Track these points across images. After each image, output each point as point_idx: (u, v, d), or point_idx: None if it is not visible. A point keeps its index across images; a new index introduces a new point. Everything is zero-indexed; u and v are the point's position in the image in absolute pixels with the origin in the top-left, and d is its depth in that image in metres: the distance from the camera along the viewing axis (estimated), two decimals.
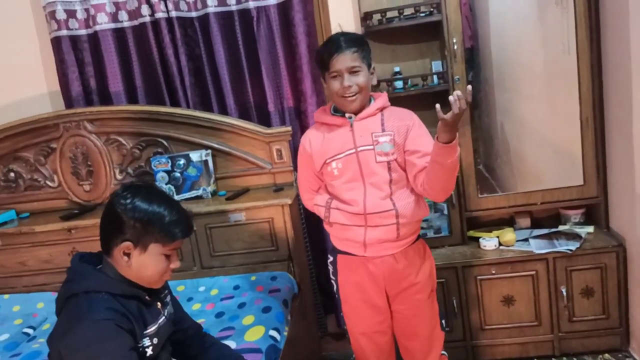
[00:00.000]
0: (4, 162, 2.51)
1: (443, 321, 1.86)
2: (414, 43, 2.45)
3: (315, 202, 1.78)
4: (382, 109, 1.68)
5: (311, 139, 1.74)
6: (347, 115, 1.66)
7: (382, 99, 1.70)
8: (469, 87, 1.42)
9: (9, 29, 2.62)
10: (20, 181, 2.53)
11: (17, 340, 2.01)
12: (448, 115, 1.40)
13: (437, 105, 1.43)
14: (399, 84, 2.39)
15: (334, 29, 2.49)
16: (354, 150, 1.64)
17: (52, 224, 2.32)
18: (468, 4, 2.35)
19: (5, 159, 2.51)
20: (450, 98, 1.38)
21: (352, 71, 1.59)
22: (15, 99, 2.66)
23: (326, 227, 1.79)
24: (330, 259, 1.83)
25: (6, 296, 2.32)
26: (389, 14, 2.32)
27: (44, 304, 2.23)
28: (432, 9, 2.29)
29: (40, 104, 2.63)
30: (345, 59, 1.58)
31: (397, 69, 2.44)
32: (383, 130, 1.64)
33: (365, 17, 2.34)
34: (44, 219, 2.42)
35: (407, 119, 1.66)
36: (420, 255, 1.74)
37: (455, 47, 2.22)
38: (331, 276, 1.84)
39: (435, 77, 2.37)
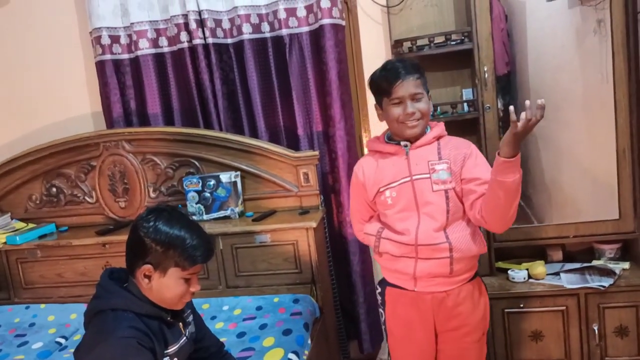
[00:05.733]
0: (48, 177, 2.65)
1: None
2: (445, 70, 2.45)
3: (366, 231, 1.75)
4: (438, 138, 1.64)
5: (364, 167, 1.71)
6: (402, 143, 1.63)
7: (438, 127, 1.66)
8: (542, 100, 1.31)
9: (57, 53, 2.79)
10: (61, 196, 2.65)
11: (50, 349, 2.10)
12: (521, 123, 1.32)
13: (511, 107, 1.34)
14: None
15: (365, 56, 2.54)
16: (409, 179, 1.60)
17: (88, 239, 2.42)
18: (506, 29, 2.34)
19: (50, 174, 2.64)
20: (527, 102, 1.31)
21: (415, 98, 1.57)
22: (61, 118, 2.82)
23: (376, 257, 1.75)
24: (379, 289, 1.78)
25: (42, 306, 2.43)
26: (420, 42, 2.33)
27: (77, 315, 2.32)
28: (463, 37, 2.29)
29: (83, 123, 2.77)
30: (408, 86, 1.55)
31: None
32: (439, 159, 1.60)
33: (396, 44, 2.36)
34: (81, 233, 2.53)
35: (464, 148, 1.62)
36: (474, 296, 1.67)
37: (486, 75, 2.21)
38: (379, 306, 1.80)
39: (465, 104, 2.36)
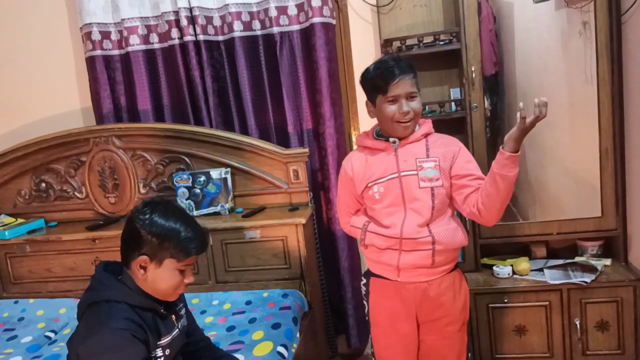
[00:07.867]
0: (37, 173, 2.64)
1: (469, 354, 1.81)
2: (433, 70, 2.49)
3: (352, 224, 1.77)
4: (426, 135, 1.67)
5: (353, 162, 1.73)
6: (391, 139, 1.65)
7: (427, 125, 1.68)
8: (545, 98, 1.38)
9: (47, 48, 2.79)
10: (50, 191, 2.65)
11: (39, 343, 2.11)
12: (530, 119, 1.39)
13: (521, 104, 1.40)
14: None
15: (355, 55, 2.57)
16: (396, 175, 1.63)
17: (78, 234, 2.43)
18: (494, 30, 2.38)
19: (39, 170, 2.64)
20: (535, 100, 1.37)
21: (410, 97, 1.59)
22: (50, 114, 2.82)
23: (361, 249, 1.78)
24: (364, 280, 1.80)
25: (31, 300, 2.43)
26: (409, 42, 2.36)
27: (66, 310, 2.33)
28: (451, 38, 2.33)
29: (73, 119, 2.77)
30: (405, 85, 1.57)
31: None
32: (427, 156, 1.63)
33: (385, 43, 2.39)
34: (70, 228, 2.54)
35: (453, 145, 1.66)
36: (455, 286, 1.71)
37: (474, 75, 2.25)
38: (363, 297, 1.83)
39: (453, 104, 2.40)
